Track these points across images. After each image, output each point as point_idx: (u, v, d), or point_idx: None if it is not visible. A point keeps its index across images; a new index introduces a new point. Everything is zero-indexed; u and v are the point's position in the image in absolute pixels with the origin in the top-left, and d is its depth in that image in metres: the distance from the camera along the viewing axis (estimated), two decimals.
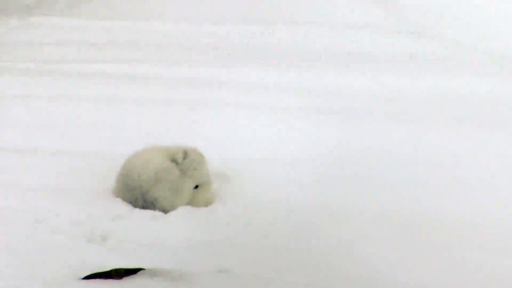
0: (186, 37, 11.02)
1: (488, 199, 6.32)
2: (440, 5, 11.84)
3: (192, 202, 6.02)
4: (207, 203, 6.08)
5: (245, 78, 9.02)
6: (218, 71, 9.24)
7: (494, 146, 7.32)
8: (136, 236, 5.47)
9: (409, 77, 9.15)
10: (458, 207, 6.19)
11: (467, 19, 11.35)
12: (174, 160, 6.06)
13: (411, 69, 9.56)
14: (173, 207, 5.89)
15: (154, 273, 4.74)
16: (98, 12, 11.86)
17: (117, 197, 5.95)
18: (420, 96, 8.63)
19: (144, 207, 5.86)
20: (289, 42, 10.80)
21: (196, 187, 6.08)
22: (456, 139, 7.44)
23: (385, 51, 10.50)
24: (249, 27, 11.24)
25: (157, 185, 5.86)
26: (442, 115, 8.07)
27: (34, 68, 9.29)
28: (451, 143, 7.36)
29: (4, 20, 11.52)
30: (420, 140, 7.40)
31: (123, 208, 5.84)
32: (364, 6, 11.95)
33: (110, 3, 12.29)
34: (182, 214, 5.81)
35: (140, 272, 4.77)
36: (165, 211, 5.86)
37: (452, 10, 11.55)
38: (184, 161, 6.05)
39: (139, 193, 5.87)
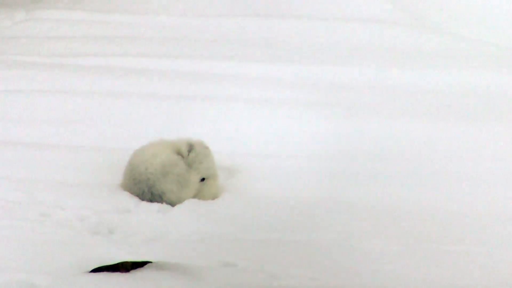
0: (190, 31, 11.00)
1: (489, 194, 6.33)
2: None
3: (198, 195, 6.04)
4: (213, 196, 6.10)
5: (250, 72, 9.00)
6: (222, 65, 9.23)
7: (499, 140, 7.31)
8: (143, 229, 5.48)
9: (414, 71, 9.12)
10: (460, 202, 6.19)
11: (474, 13, 11.31)
12: (179, 154, 6.08)
13: (416, 63, 9.53)
14: (179, 200, 5.91)
15: (161, 266, 4.74)
16: (103, 6, 11.84)
17: (125, 190, 5.98)
18: (425, 91, 8.61)
19: (151, 200, 5.89)
20: (293, 36, 10.77)
21: (203, 180, 6.10)
22: (459, 133, 7.43)
23: (389, 44, 10.46)
24: (253, 21, 11.21)
25: (164, 178, 5.88)
26: (447, 110, 8.06)
27: (39, 62, 9.28)
28: (454, 138, 7.35)
29: (9, 13, 11.49)
30: (423, 135, 7.38)
31: (129, 201, 5.85)
32: None
33: None
34: (188, 207, 5.82)
35: (147, 265, 4.77)
36: (172, 204, 5.88)
37: (459, 4, 11.51)
38: (190, 154, 6.07)
39: (146, 186, 5.89)
